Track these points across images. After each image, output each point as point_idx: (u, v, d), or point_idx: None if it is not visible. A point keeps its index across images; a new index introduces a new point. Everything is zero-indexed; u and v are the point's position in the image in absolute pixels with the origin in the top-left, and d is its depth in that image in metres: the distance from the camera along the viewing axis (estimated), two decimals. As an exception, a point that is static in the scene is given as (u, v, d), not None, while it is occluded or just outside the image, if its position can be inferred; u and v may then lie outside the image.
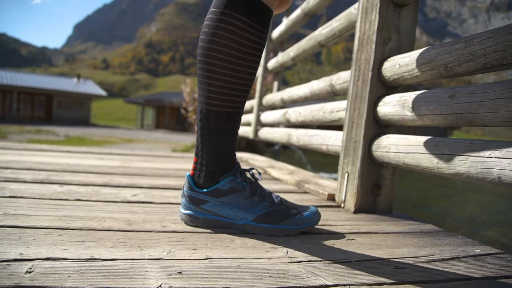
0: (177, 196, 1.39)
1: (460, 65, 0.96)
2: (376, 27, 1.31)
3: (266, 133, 2.85)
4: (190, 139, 18.04)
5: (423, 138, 1.10)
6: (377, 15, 1.31)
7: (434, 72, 1.06)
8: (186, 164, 2.62)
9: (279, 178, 2.09)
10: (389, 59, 1.29)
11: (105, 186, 1.52)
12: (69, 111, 32.44)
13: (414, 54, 1.15)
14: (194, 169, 1.00)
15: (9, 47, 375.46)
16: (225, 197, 0.98)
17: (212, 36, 0.86)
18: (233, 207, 0.97)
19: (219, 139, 0.95)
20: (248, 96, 0.96)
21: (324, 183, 1.77)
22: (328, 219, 1.21)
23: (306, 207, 1.05)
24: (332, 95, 1.79)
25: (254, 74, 0.93)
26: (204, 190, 0.98)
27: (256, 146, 4.34)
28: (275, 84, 3.32)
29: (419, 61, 1.11)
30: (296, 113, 2.19)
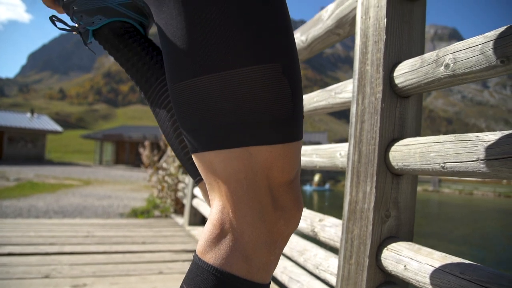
0: None
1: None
2: (373, 204, 1.11)
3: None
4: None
5: None
6: (374, 189, 1.11)
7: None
8: (148, 279, 2.29)
9: None
10: (389, 246, 1.08)
11: None
12: (22, 148, 30.90)
13: (425, 262, 0.94)
14: None
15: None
16: None
17: None
18: None
19: None
20: None
21: None
22: None
23: None
24: (314, 240, 1.57)
25: None
26: None
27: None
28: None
29: (431, 277, 0.90)
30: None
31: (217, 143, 0.57)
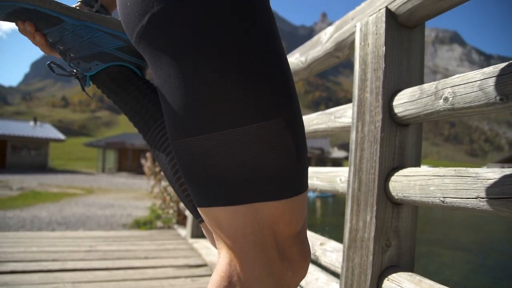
0: None
1: None
2: (373, 234, 1.10)
3: None
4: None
5: None
6: (374, 219, 1.11)
7: None
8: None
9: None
10: (390, 277, 1.08)
11: None
12: (25, 157, 30.96)
13: (427, 297, 0.94)
14: None
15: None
16: None
17: None
18: None
19: None
20: None
21: None
22: None
23: None
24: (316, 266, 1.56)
25: None
26: None
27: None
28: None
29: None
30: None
31: (222, 200, 0.56)
